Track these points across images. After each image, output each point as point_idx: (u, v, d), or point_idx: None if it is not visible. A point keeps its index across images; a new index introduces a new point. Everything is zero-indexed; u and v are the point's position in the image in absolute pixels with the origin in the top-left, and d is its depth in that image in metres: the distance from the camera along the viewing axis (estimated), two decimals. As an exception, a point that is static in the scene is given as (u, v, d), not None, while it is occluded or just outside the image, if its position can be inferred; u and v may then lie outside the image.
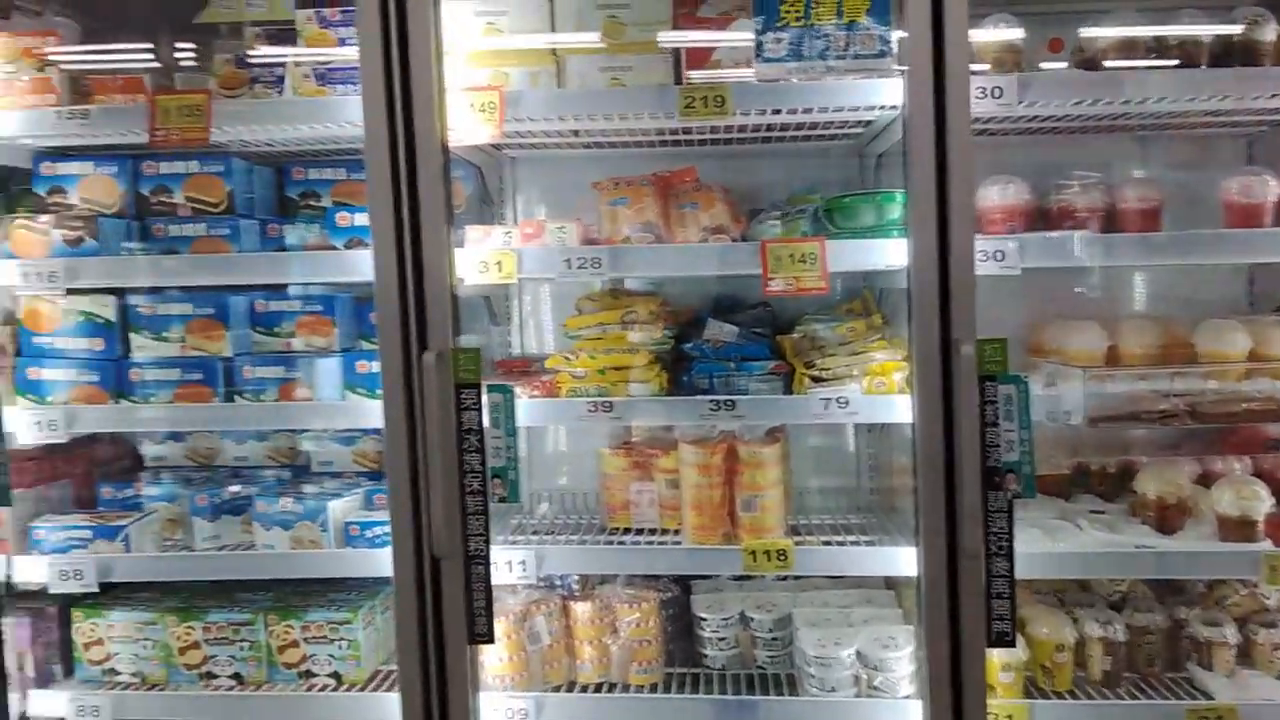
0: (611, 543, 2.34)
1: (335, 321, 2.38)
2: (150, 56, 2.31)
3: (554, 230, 2.08)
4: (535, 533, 2.51)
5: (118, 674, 2.45)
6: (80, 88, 2.22)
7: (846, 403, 2.02)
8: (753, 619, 2.39)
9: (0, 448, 2.11)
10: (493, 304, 2.72)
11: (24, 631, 2.43)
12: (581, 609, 2.39)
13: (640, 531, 2.42)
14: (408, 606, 2.04)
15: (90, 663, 2.46)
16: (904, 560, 2.05)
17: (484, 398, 1.93)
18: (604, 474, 2.48)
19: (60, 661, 2.50)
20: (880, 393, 2.04)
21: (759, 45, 1.80)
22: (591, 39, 2.03)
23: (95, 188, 2.35)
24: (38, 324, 2.36)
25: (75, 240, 2.24)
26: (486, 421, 1.95)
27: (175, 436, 2.71)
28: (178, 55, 2.32)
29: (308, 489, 2.46)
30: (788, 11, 1.79)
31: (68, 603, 2.47)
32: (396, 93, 1.87)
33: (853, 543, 2.27)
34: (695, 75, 2.04)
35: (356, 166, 2.43)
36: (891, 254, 1.93)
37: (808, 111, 2.02)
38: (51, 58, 2.18)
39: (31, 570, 2.33)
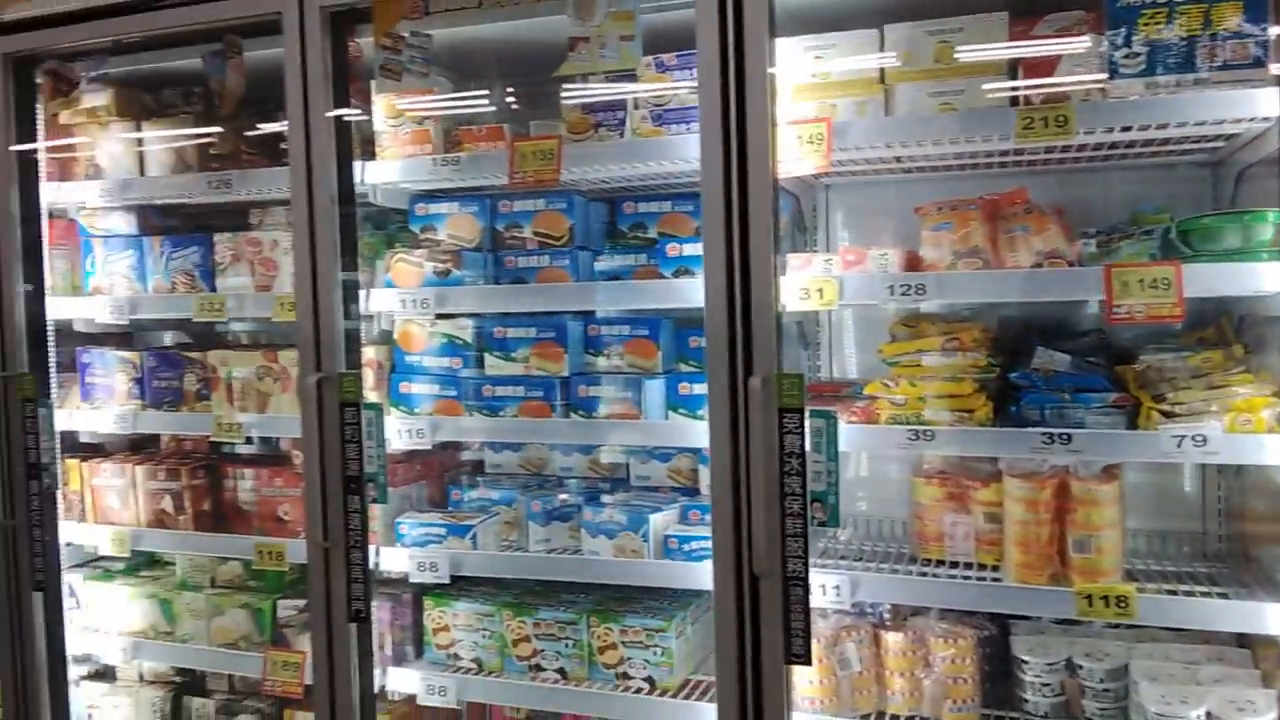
0: (926, 574, 2.29)
1: (659, 345, 2.51)
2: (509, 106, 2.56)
3: (876, 257, 2.08)
4: (843, 558, 2.50)
5: (460, 659, 2.70)
6: (451, 138, 2.50)
7: (1204, 441, 1.84)
8: (1081, 666, 2.24)
9: (381, 452, 2.40)
10: (804, 329, 2.76)
11: (384, 614, 2.75)
12: (893, 639, 2.36)
13: (955, 565, 2.34)
14: (727, 622, 2.10)
15: (437, 647, 2.73)
16: (1272, 618, 1.84)
17: (806, 422, 1.96)
18: (916, 503, 2.43)
19: (412, 644, 2.80)
20: (1246, 431, 1.85)
21: (1112, 61, 1.70)
22: (924, 65, 2.01)
23: (460, 225, 2.63)
24: (409, 344, 2.67)
25: (443, 272, 2.52)
26: (807, 445, 1.98)
27: (512, 447, 2.96)
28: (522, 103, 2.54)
29: (629, 502, 2.60)
30: (1146, 24, 1.69)
31: (420, 591, 2.76)
32: (732, 129, 1.95)
33: (1203, 594, 2.06)
34: (1033, 95, 1.96)
35: (681, 199, 2.56)
36: (1264, 279, 1.75)
37: (1161, 128, 1.89)
38: (429, 112, 2.47)
39: (395, 561, 2.62)
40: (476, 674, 2.65)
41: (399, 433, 2.56)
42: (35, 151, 2.76)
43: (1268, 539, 2.12)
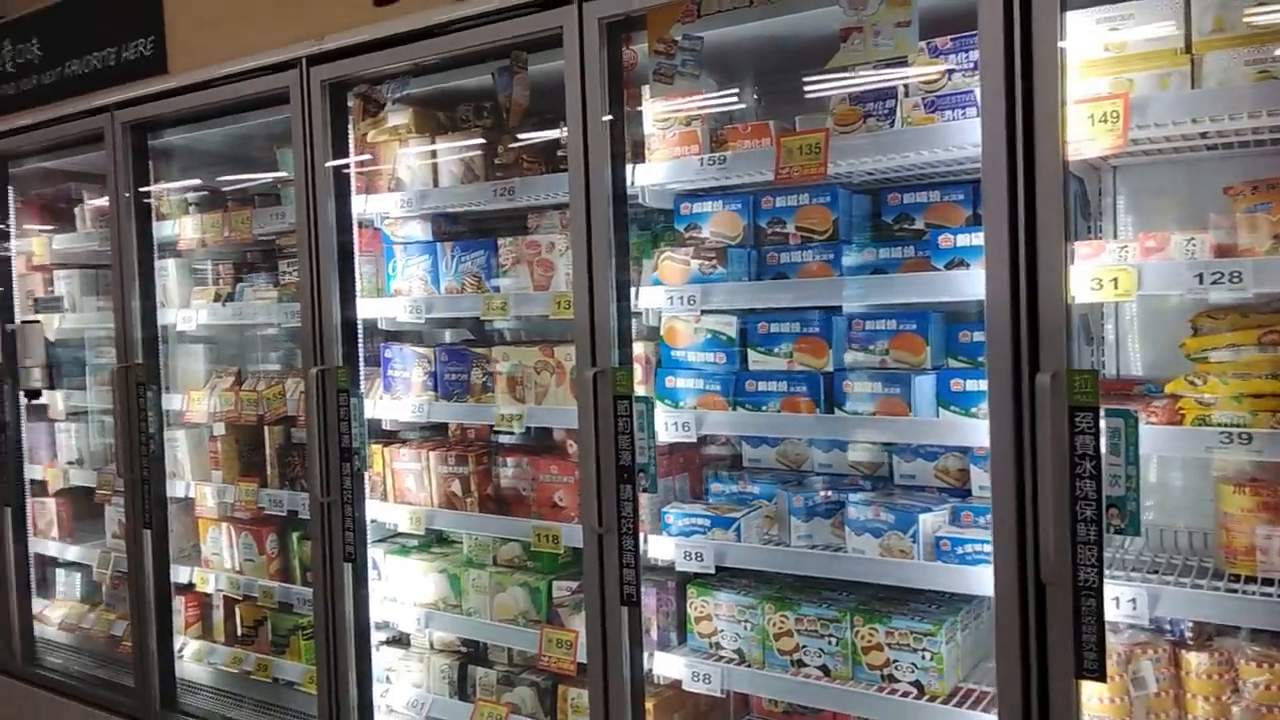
0: (1237, 590, 2.06)
1: (928, 340, 2.42)
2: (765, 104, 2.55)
3: (1181, 243, 1.89)
4: (1134, 570, 2.30)
5: (721, 648, 2.73)
6: (717, 137, 2.53)
7: None
8: None
9: (652, 444, 2.47)
10: (1089, 324, 2.56)
11: (650, 600, 2.82)
12: (1196, 660, 2.15)
13: (1270, 582, 2.10)
14: (1010, 631, 1.99)
15: (700, 635, 2.77)
16: None
17: (1100, 422, 1.82)
18: (1223, 513, 2.20)
19: (675, 630, 2.86)
20: None
21: None
22: (1237, 30, 1.81)
23: (723, 222, 2.66)
24: (675, 339, 2.73)
25: (709, 268, 2.55)
26: (1102, 447, 1.84)
27: (769, 441, 2.95)
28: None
29: (896, 500, 2.52)
30: None
31: (683, 579, 2.81)
32: (1017, 110, 1.85)
33: None
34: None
35: (951, 189, 2.45)
36: None
37: None
38: (697, 113, 2.51)
39: (661, 549, 2.69)
40: (739, 664, 2.67)
41: (665, 425, 2.62)
42: (348, 168, 3.05)
43: None
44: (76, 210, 4.27)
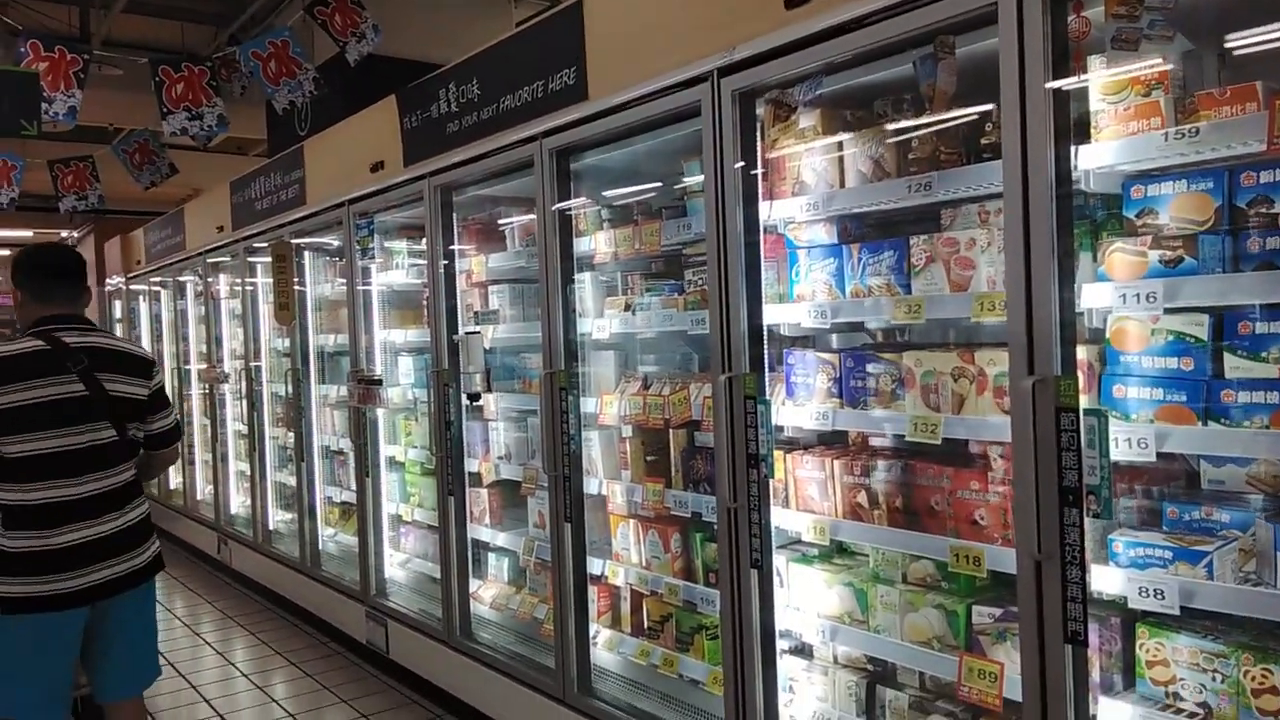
0: None
1: None
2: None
3: None
4: None
5: (1182, 700, 2.33)
6: (1185, 107, 2.15)
7: None
8: None
9: (1105, 462, 2.15)
10: None
11: (1092, 638, 2.47)
12: None
13: None
14: None
15: (1154, 682, 2.39)
16: None
17: None
18: None
19: (1120, 672, 2.48)
20: None
21: None
22: None
23: (1187, 205, 2.26)
24: (1125, 343, 2.37)
25: (1173, 260, 2.18)
26: None
27: (1236, 460, 2.47)
28: None
29: None
30: None
31: (1130, 617, 2.43)
32: None
33: None
34: None
35: None
36: None
37: None
38: (1155, 81, 2.15)
39: (1106, 581, 2.35)
40: (1203, 720, 2.26)
41: (1114, 440, 2.27)
42: (756, 175, 3.01)
43: None
44: (506, 231, 4.68)
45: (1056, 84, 2.16)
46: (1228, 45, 2.17)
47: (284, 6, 8.67)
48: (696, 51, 3.03)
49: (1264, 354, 2.13)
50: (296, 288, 6.31)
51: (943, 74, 2.40)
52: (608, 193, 3.99)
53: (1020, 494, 2.28)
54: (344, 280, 5.67)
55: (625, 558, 3.96)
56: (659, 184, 3.79)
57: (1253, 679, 2.20)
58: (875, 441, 3.26)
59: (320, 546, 6.43)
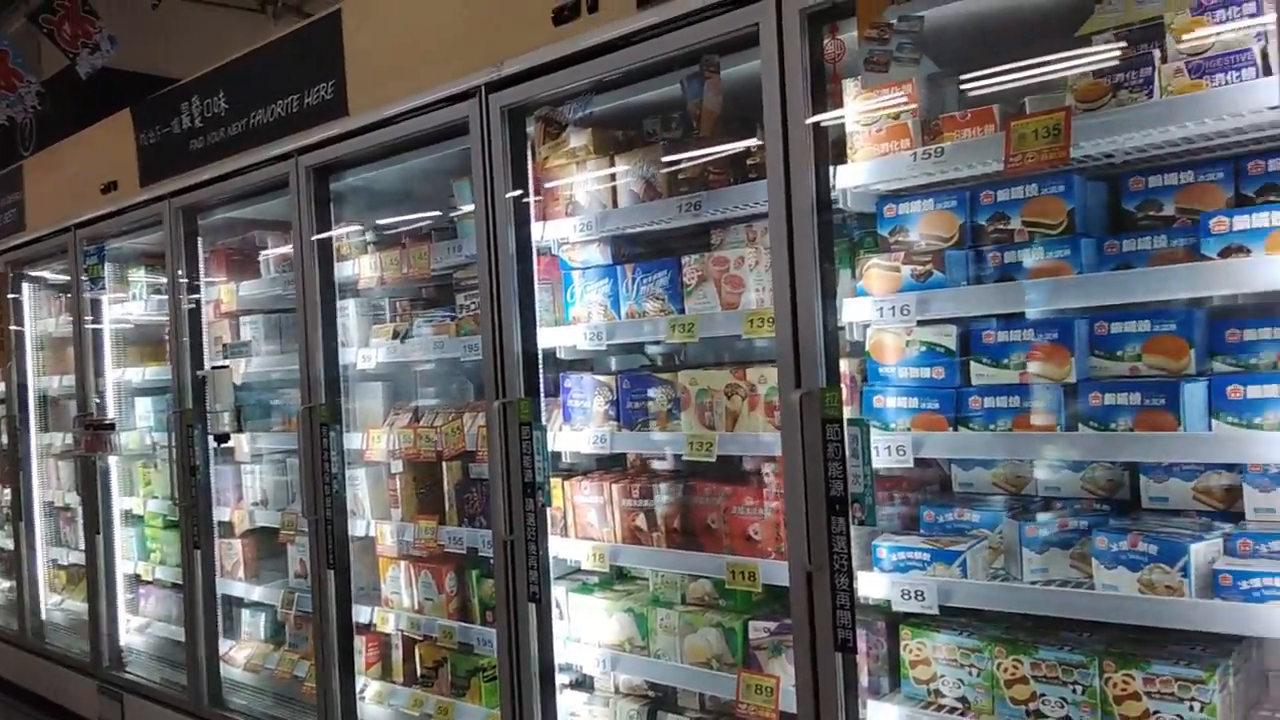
0: None
1: (1190, 342, 2.06)
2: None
3: None
4: None
5: (942, 696, 2.41)
6: (931, 128, 2.26)
7: None
8: None
9: (868, 471, 2.19)
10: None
11: (860, 643, 2.52)
12: None
13: None
14: None
15: (916, 681, 2.46)
16: None
17: None
18: None
19: (887, 674, 2.54)
20: None
21: None
22: None
23: (935, 223, 2.38)
24: (883, 355, 2.45)
25: (923, 274, 2.27)
26: None
27: (983, 463, 2.62)
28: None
29: (1155, 528, 2.16)
30: None
31: (894, 619, 2.50)
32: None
33: None
34: None
35: (1205, 168, 2.11)
36: None
37: None
38: (907, 105, 2.25)
39: (872, 586, 2.40)
40: (963, 714, 2.33)
41: (875, 450, 2.33)
42: (527, 195, 2.92)
43: None
44: (260, 256, 4.32)
45: (815, 109, 2.22)
46: (963, 83, 2.32)
47: (6, 14, 7.73)
48: (464, 66, 2.91)
49: (1005, 361, 2.27)
50: (14, 328, 5.57)
51: (709, 93, 2.42)
52: (374, 214, 3.77)
53: (790, 506, 2.29)
54: (71, 315, 5.05)
55: (396, 602, 3.70)
56: (429, 204, 3.62)
57: (1005, 670, 2.30)
58: (655, 463, 3.23)
59: (44, 616, 5.64)
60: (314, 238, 3.55)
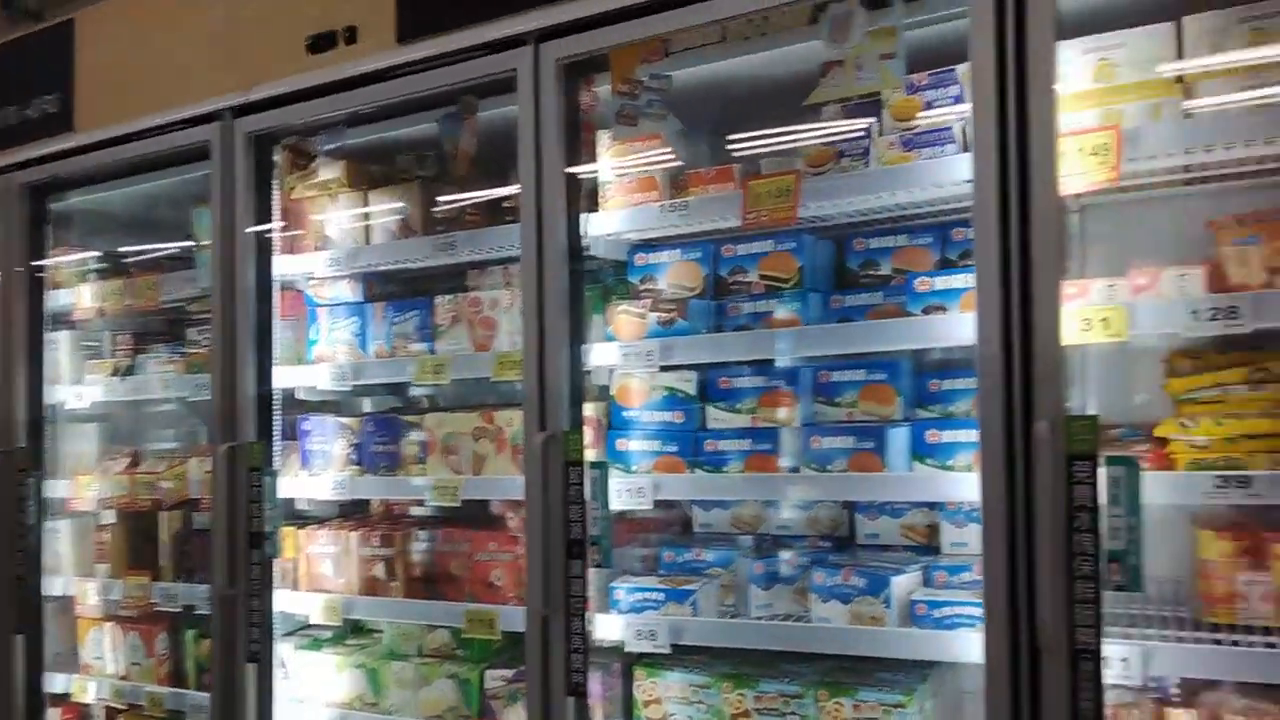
0: (1239, 644, 1.90)
1: (898, 390, 2.25)
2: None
3: (1173, 278, 1.79)
4: (1112, 625, 2.11)
5: (674, 734, 2.42)
6: (678, 182, 2.35)
7: None
8: None
9: (606, 513, 2.20)
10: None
11: (594, 685, 2.50)
12: (1185, 718, 1.96)
13: (1250, 629, 1.94)
14: (1001, 704, 1.77)
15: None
16: None
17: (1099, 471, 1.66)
18: (1202, 560, 2.04)
19: (621, 716, 2.53)
20: None
21: None
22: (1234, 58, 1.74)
23: (681, 273, 2.46)
24: (628, 399, 2.49)
25: (668, 321, 2.34)
26: (1101, 498, 1.67)
27: (722, 504, 2.70)
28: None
29: (865, 563, 2.30)
30: None
31: (629, 661, 2.50)
32: (1010, 144, 1.73)
33: None
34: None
35: (918, 233, 2.32)
36: None
37: None
38: (657, 159, 2.33)
39: (609, 628, 2.39)
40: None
41: (617, 492, 2.35)
42: (271, 226, 2.75)
43: None
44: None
45: (569, 157, 2.26)
46: (710, 142, 2.43)
47: None
48: (210, 88, 2.73)
49: (739, 405, 2.37)
50: None
51: (466, 134, 2.40)
52: (102, 239, 3.40)
53: (531, 550, 2.25)
54: None
55: (98, 669, 3.27)
56: (169, 232, 3.32)
57: (731, 705, 2.35)
58: (399, 510, 3.08)
59: None
60: (24, 264, 3.16)
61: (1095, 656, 1.67)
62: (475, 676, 2.67)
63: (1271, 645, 1.85)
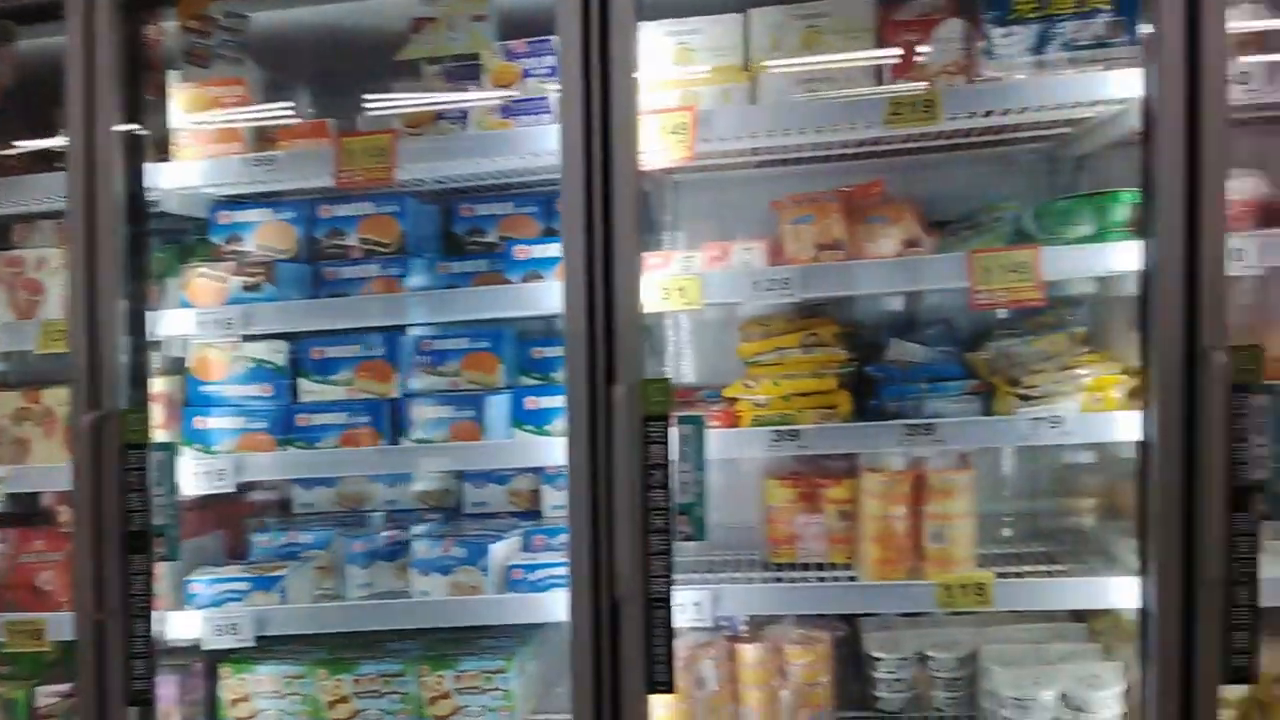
0: (796, 580, 2.10)
1: (501, 358, 2.21)
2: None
3: (740, 251, 1.92)
4: (692, 571, 2.27)
5: (263, 728, 2.23)
6: (265, 134, 2.11)
7: (1060, 422, 1.80)
8: (932, 658, 2.13)
9: (172, 500, 1.93)
10: (655, 334, 2.54)
11: (170, 690, 2.25)
12: (750, 652, 2.15)
13: (807, 567, 2.18)
14: (584, 654, 1.82)
15: (236, 719, 2.24)
16: (1118, 591, 1.80)
17: (670, 431, 1.74)
18: (769, 506, 2.24)
19: (204, 718, 2.29)
20: (1098, 409, 1.82)
21: (989, 42, 1.65)
22: (791, 51, 1.89)
23: (271, 234, 2.23)
24: (207, 372, 2.21)
25: (254, 285, 2.10)
26: (673, 455, 1.76)
27: (325, 482, 2.52)
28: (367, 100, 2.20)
29: (466, 532, 2.25)
30: (1022, 4, 1.65)
31: (214, 658, 2.26)
32: (594, 119, 1.74)
33: (1059, 573, 2.01)
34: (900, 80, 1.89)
35: (524, 200, 2.29)
36: (1116, 258, 1.73)
37: (1022, 112, 1.84)
38: (239, 106, 2.08)
39: (184, 626, 2.12)
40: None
41: (194, 475, 2.09)
42: None
43: (1107, 514, 2.11)
44: None
45: (129, 98, 1.93)
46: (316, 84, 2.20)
47: None
48: None
49: (334, 377, 2.20)
50: None
51: (2, 65, 1.96)
52: None
53: (78, 546, 1.91)
54: None
55: None
56: None
57: (328, 692, 2.20)
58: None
59: None
60: None
61: (667, 603, 1.74)
62: (23, 696, 2.28)
63: (822, 579, 2.08)
